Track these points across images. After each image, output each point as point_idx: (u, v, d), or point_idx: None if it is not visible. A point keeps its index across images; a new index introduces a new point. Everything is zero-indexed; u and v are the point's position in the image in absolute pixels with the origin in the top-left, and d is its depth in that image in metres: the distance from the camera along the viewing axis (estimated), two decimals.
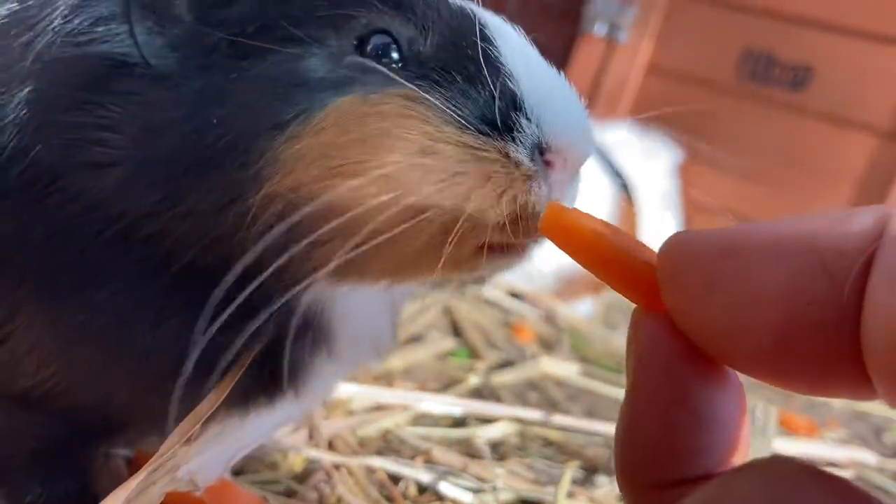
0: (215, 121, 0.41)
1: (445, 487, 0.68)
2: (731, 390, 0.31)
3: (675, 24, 2.00)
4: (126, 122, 0.43)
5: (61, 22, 0.44)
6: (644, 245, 0.34)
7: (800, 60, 1.68)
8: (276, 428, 0.58)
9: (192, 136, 0.42)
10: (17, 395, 0.50)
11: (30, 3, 0.46)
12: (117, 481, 0.57)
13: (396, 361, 0.93)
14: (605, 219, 0.37)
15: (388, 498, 0.66)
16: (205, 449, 0.51)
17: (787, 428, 1.04)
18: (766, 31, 1.73)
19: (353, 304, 0.52)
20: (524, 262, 0.48)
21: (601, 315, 1.37)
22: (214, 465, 0.52)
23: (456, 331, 1.11)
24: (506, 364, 1.04)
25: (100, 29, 0.43)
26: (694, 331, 0.29)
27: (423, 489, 0.69)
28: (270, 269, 0.41)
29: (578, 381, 1.04)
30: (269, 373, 0.51)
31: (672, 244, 0.30)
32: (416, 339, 1.04)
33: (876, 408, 1.19)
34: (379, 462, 0.68)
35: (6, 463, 0.53)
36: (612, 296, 1.37)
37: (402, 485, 0.68)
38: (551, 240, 0.39)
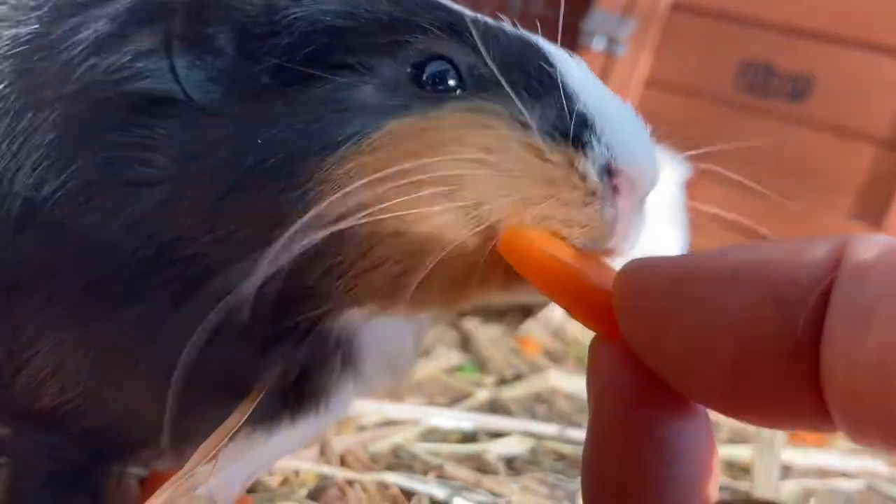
0: (260, 141, 0.40)
1: (460, 503, 0.67)
2: (696, 420, 0.30)
3: (673, 37, 2.00)
4: (169, 143, 0.42)
5: (95, 55, 0.43)
6: (613, 272, 0.32)
7: (799, 71, 1.68)
8: (296, 446, 0.58)
9: (234, 160, 0.41)
10: (35, 416, 0.50)
11: (51, 24, 0.46)
12: (130, 501, 0.57)
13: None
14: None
15: None
16: (224, 467, 0.51)
17: (795, 440, 1.04)
18: (764, 43, 1.74)
19: (381, 328, 0.51)
20: None
21: None
22: (233, 483, 0.51)
23: (462, 345, 1.11)
24: (514, 378, 1.04)
25: (139, 64, 0.43)
26: (651, 361, 0.29)
27: None
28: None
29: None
30: (295, 394, 0.50)
31: (627, 272, 0.29)
32: (423, 354, 1.03)
33: None
34: (392, 478, 0.67)
35: (21, 484, 0.53)
36: None
37: (414, 501, 0.68)
38: (509, 259, 0.37)
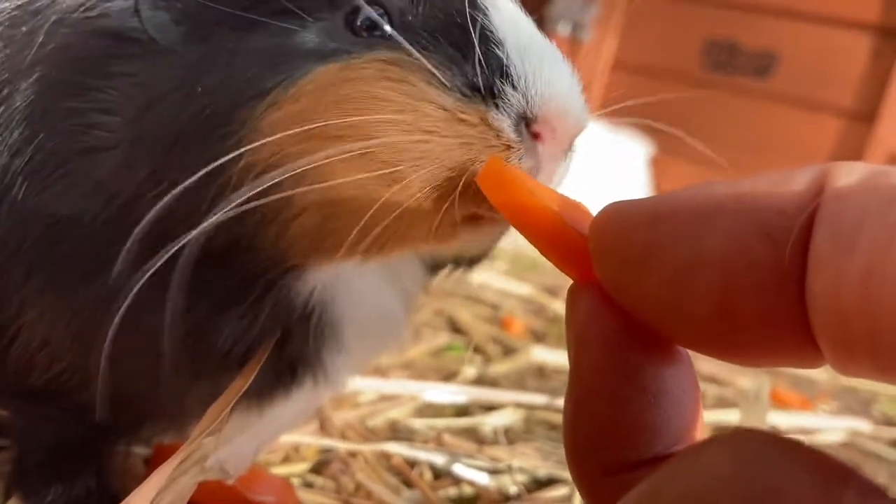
0: (200, 89, 0.41)
1: (461, 469, 0.68)
2: (680, 364, 0.30)
3: (637, 19, 2.02)
4: (125, 104, 0.42)
5: (69, 2, 0.44)
6: (586, 221, 0.31)
7: (762, 48, 1.71)
8: (298, 418, 0.58)
9: (177, 109, 0.41)
10: (31, 392, 0.50)
11: None
12: (136, 480, 0.57)
13: (393, 357, 0.93)
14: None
15: (406, 483, 0.66)
16: (231, 439, 0.51)
17: (779, 404, 1.06)
18: (727, 22, 1.77)
19: (359, 292, 0.51)
20: (500, 233, 0.46)
21: None
22: (242, 455, 0.51)
23: (449, 328, 1.12)
24: (501, 356, 1.05)
25: (105, 4, 0.43)
26: (631, 303, 0.28)
27: (438, 474, 0.69)
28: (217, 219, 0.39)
29: None
30: (283, 364, 0.50)
31: (602, 214, 0.29)
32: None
33: (863, 383, 1.21)
34: (394, 447, 0.68)
35: (24, 461, 0.53)
36: None
37: (416, 470, 0.68)
38: (487, 195, 0.37)
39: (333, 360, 0.50)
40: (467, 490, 0.68)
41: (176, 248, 0.39)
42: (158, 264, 0.39)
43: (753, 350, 0.26)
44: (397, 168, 0.39)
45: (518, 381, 0.97)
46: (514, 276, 1.37)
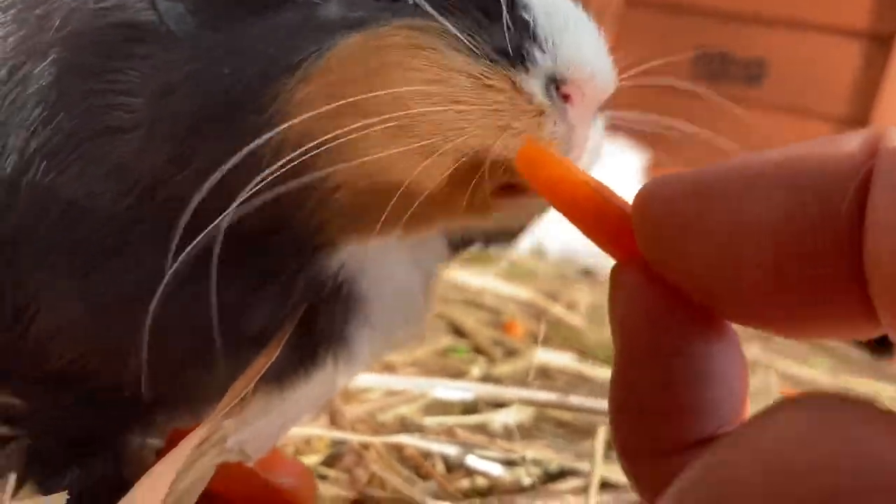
0: (227, 70, 0.40)
1: (474, 461, 0.68)
2: (729, 342, 0.29)
3: (627, 30, 2.03)
4: (145, 85, 0.42)
5: None
6: (626, 202, 0.32)
7: (753, 56, 1.73)
8: (318, 400, 0.57)
9: (203, 89, 0.41)
10: (48, 378, 0.49)
11: None
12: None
13: (399, 357, 0.93)
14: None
15: (420, 474, 0.65)
16: (252, 420, 0.50)
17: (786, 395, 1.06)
18: (717, 31, 1.79)
19: (384, 269, 0.51)
20: (536, 207, 0.46)
21: (588, 312, 1.38)
22: (263, 438, 0.51)
23: (451, 331, 1.11)
24: (504, 358, 1.04)
25: None
26: (678, 278, 0.27)
27: (451, 466, 0.68)
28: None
29: (578, 369, 1.04)
30: (304, 344, 0.50)
31: (646, 187, 0.28)
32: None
33: (861, 383, 1.21)
34: (407, 439, 0.67)
35: (39, 448, 0.52)
36: (599, 297, 1.38)
37: (428, 462, 0.67)
38: (525, 176, 0.37)
39: (359, 335, 0.50)
40: (481, 482, 0.67)
41: (210, 227, 0.39)
42: (194, 246, 0.39)
43: (805, 319, 0.25)
44: (430, 140, 0.39)
45: (523, 382, 0.97)
46: (511, 282, 1.36)
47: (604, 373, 1.03)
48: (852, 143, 0.24)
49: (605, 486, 0.66)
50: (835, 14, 1.62)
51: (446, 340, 1.05)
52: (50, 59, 0.45)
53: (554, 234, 1.58)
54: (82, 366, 0.48)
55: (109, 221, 0.44)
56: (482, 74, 0.39)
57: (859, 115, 1.60)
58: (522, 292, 1.34)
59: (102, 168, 0.44)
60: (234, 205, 0.39)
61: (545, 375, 1.02)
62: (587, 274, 1.58)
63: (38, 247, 0.46)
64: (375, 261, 0.50)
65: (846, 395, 0.21)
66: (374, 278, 0.50)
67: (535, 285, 1.39)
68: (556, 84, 0.40)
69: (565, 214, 0.34)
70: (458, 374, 0.94)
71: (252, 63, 0.41)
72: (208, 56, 0.41)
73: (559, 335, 1.20)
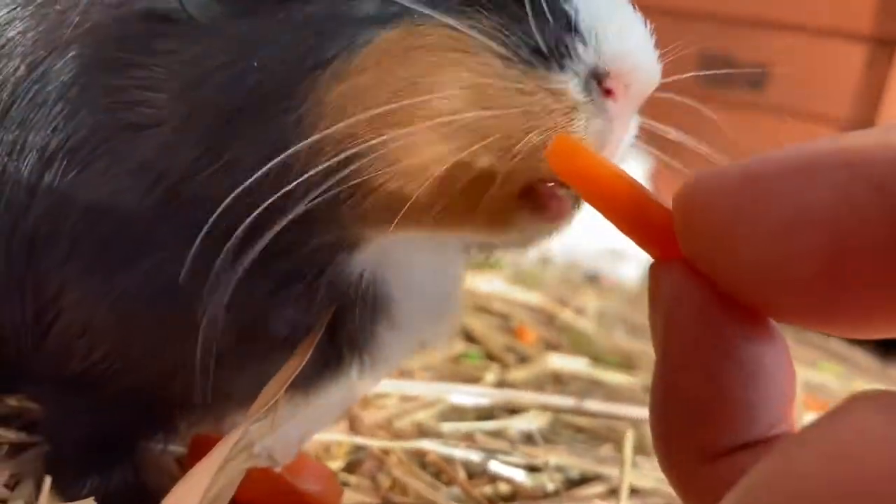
0: (256, 64, 0.39)
1: (497, 467, 0.66)
2: (776, 341, 0.28)
3: None
4: (169, 80, 0.41)
5: None
6: (661, 201, 0.31)
7: (757, 60, 1.73)
8: (344, 405, 0.56)
9: (231, 85, 0.39)
10: (69, 380, 0.48)
11: None
12: (170, 478, 0.54)
13: (412, 362, 0.91)
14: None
15: (442, 480, 0.64)
16: (278, 426, 0.49)
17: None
18: (721, 36, 1.78)
19: (410, 270, 0.50)
20: (563, 222, 0.44)
21: (598, 316, 1.37)
22: (289, 442, 0.49)
23: (463, 337, 1.10)
24: (517, 364, 1.03)
25: None
26: (724, 276, 0.26)
27: (472, 472, 0.67)
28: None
29: (591, 374, 1.03)
30: (330, 347, 0.49)
31: (689, 182, 0.27)
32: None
33: (875, 389, 1.20)
34: (428, 445, 0.66)
35: (60, 453, 0.51)
36: (606, 302, 1.37)
37: (450, 468, 0.66)
38: (558, 172, 0.35)
39: (386, 337, 0.49)
40: (503, 488, 0.66)
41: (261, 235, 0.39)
42: (232, 244, 0.39)
43: (859, 316, 0.24)
44: (463, 143, 0.38)
45: (537, 388, 0.96)
46: (518, 287, 1.35)
47: (617, 378, 1.03)
48: None
49: (632, 492, 0.65)
50: (838, 18, 1.62)
51: (459, 346, 1.03)
52: (70, 54, 0.44)
53: (559, 240, 1.58)
54: (105, 368, 0.47)
55: (134, 219, 0.43)
56: (515, 77, 0.38)
57: (863, 119, 1.60)
58: (531, 298, 1.33)
59: (126, 165, 0.43)
60: (301, 207, 0.38)
61: (558, 381, 1.01)
62: (592, 279, 1.58)
63: (62, 245, 0.45)
64: (401, 263, 0.48)
65: None
66: (400, 280, 0.49)
67: (542, 291, 1.38)
68: (598, 78, 0.38)
69: (599, 209, 0.32)
70: (472, 380, 0.92)
71: (281, 57, 0.39)
72: (236, 47, 0.40)
73: (569, 340, 1.19)
